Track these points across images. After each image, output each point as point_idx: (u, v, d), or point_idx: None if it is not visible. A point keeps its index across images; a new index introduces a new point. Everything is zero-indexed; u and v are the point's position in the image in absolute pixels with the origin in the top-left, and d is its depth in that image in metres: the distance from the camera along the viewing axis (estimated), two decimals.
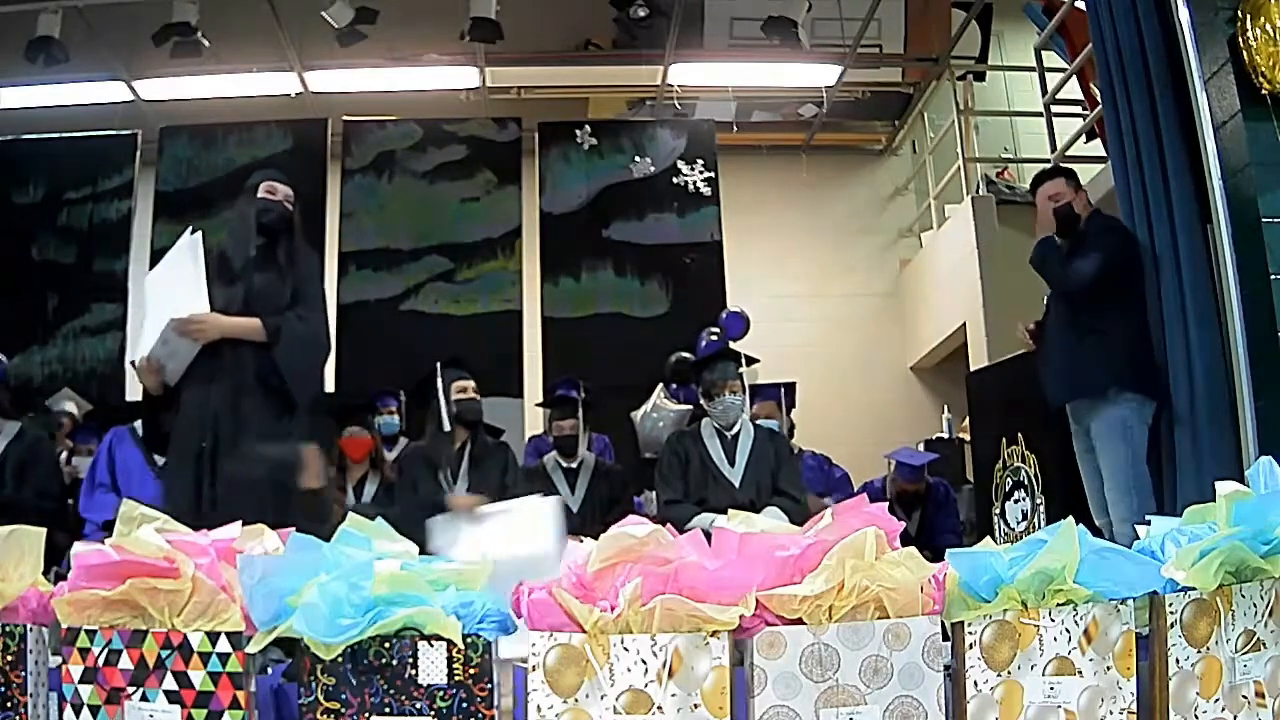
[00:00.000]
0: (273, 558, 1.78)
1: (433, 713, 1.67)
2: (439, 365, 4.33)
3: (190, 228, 3.27)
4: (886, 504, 2.09)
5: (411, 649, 1.68)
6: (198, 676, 1.70)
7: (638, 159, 7.40)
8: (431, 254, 7.12)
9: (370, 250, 7.11)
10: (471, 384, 4.31)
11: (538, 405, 6.21)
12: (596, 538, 1.80)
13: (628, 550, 1.74)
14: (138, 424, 4.34)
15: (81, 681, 1.72)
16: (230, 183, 7.11)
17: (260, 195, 3.29)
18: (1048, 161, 5.89)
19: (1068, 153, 5.78)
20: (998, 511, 4.39)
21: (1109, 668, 1.75)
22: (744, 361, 4.59)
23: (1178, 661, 1.76)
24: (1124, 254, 3.64)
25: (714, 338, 6.52)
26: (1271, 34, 3.19)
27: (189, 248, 3.18)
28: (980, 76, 7.87)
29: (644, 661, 1.67)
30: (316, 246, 6.42)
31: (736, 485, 4.11)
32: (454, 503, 4.11)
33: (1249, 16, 3.25)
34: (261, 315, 3.16)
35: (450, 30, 6.53)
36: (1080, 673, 1.74)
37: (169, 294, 3.16)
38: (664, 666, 1.67)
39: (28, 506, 4.15)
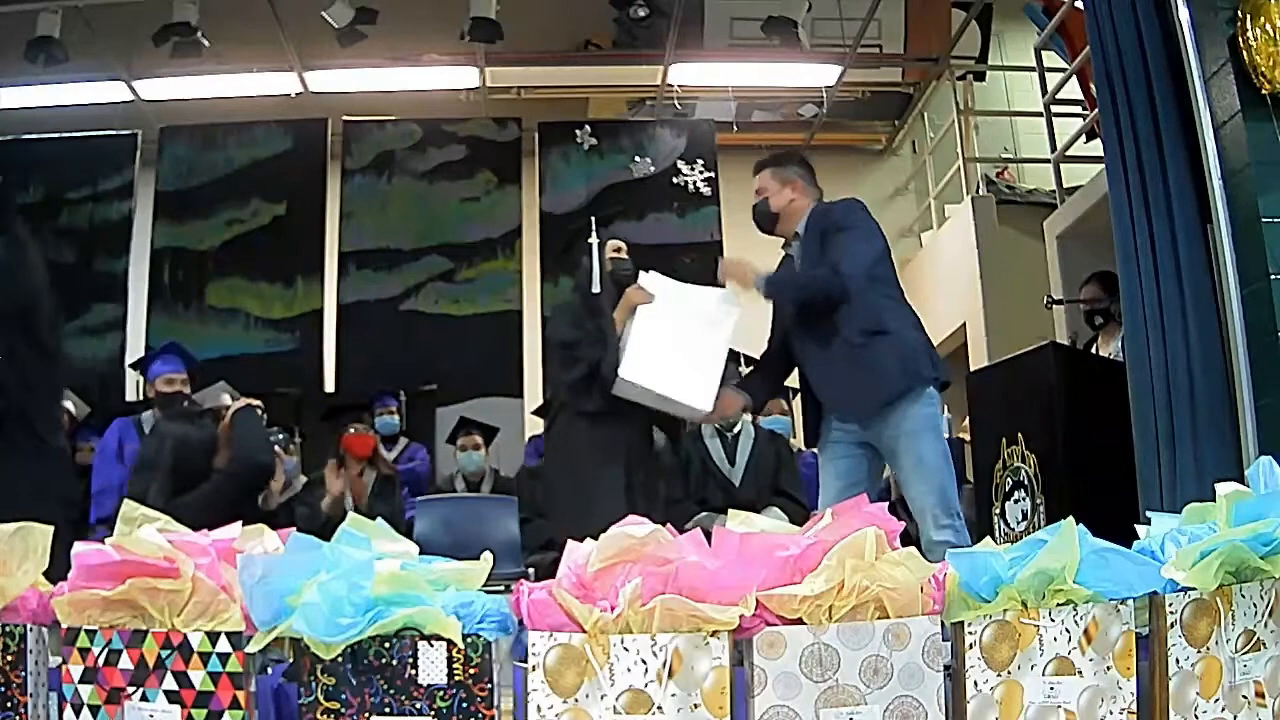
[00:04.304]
0: (273, 557, 1.78)
1: (433, 713, 1.67)
2: (593, 220, 3.93)
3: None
4: (888, 504, 2.08)
5: (411, 649, 1.68)
6: (198, 676, 1.70)
7: (638, 159, 7.41)
8: (431, 254, 7.13)
9: (370, 250, 7.12)
10: (623, 244, 3.80)
11: (534, 413, 6.21)
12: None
13: (628, 550, 1.74)
14: (143, 415, 4.38)
15: (81, 681, 1.72)
16: (230, 183, 7.14)
17: None
18: (1047, 161, 5.91)
19: (1068, 152, 5.77)
20: (998, 511, 4.37)
21: (1109, 668, 1.75)
22: (744, 363, 4.59)
23: (1178, 661, 1.76)
24: (878, 233, 3.27)
25: None
26: (1271, 34, 3.18)
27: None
28: (980, 76, 7.88)
29: (644, 661, 1.67)
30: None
31: (736, 485, 4.12)
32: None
33: (1249, 16, 3.24)
34: None
35: (450, 30, 6.54)
36: (1080, 673, 1.74)
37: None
38: (664, 666, 1.67)
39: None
